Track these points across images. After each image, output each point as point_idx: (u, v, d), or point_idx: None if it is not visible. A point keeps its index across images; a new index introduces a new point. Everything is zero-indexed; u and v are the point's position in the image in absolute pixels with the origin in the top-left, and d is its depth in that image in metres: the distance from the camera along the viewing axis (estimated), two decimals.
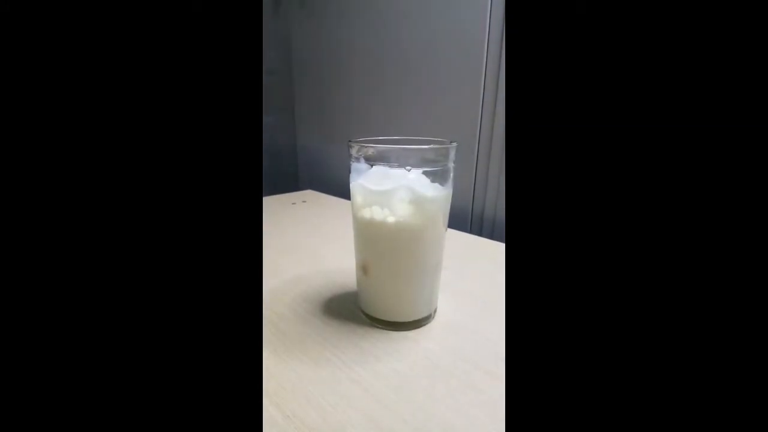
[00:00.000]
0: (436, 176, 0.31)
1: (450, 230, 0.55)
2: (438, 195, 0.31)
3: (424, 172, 0.31)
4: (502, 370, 0.29)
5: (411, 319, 0.34)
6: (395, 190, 0.30)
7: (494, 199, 0.63)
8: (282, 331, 0.34)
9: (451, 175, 0.32)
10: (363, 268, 0.34)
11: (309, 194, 0.84)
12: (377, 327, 0.34)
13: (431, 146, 0.31)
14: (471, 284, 0.43)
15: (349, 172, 0.33)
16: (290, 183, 1.03)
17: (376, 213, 0.31)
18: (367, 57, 0.78)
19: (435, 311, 0.36)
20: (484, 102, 0.61)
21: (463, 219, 0.68)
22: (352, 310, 0.37)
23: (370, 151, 0.31)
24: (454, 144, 0.32)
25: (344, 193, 0.73)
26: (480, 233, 0.65)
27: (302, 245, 0.54)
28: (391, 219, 0.31)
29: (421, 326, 0.35)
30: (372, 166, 0.31)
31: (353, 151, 0.32)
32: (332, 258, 0.50)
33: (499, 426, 0.24)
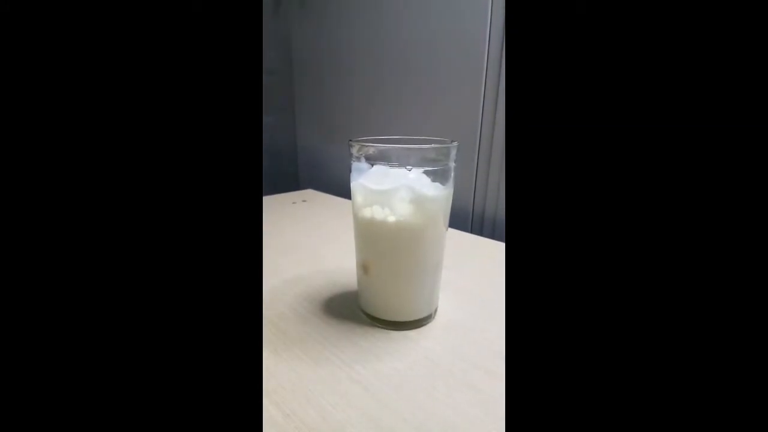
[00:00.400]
0: (437, 176, 0.31)
1: (450, 230, 0.55)
2: (438, 194, 0.31)
3: (425, 172, 0.31)
4: (502, 370, 0.29)
5: (411, 319, 0.34)
6: (396, 189, 0.30)
7: (494, 199, 0.63)
8: (282, 330, 0.34)
9: (452, 174, 0.32)
10: (363, 268, 0.34)
11: (309, 194, 0.83)
12: (377, 326, 0.34)
13: (432, 145, 0.31)
14: (471, 284, 0.43)
15: (350, 171, 0.33)
16: (290, 183, 1.03)
17: (376, 212, 0.31)
18: (367, 57, 0.78)
19: (435, 311, 0.36)
20: (485, 102, 0.61)
21: (463, 219, 0.68)
22: (353, 310, 0.37)
23: (371, 151, 0.31)
24: (455, 143, 0.32)
25: (344, 192, 0.74)
26: (480, 233, 0.65)
27: (302, 245, 0.54)
28: (391, 218, 0.31)
29: (421, 326, 0.35)
30: (373, 165, 0.31)
31: (354, 151, 0.32)
32: (332, 257, 0.50)
33: (499, 425, 0.24)
